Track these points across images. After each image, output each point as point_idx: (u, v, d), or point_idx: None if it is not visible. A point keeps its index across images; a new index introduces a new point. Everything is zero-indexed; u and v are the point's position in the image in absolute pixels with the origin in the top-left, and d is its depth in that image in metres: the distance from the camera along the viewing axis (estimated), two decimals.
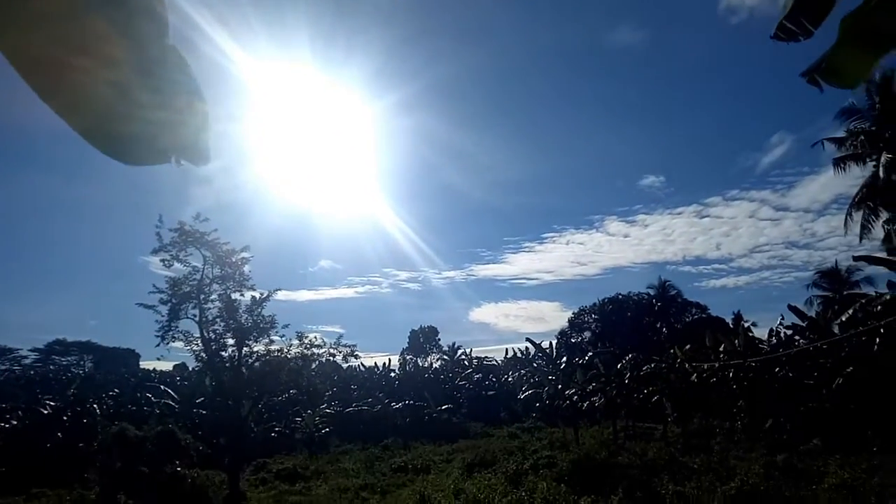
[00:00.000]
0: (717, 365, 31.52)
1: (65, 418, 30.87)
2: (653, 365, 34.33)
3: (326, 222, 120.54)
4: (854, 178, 26.06)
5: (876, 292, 27.75)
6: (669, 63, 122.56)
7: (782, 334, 34.54)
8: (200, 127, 1.82)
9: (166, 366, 75.43)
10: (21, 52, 1.59)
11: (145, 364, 79.55)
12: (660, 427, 35.90)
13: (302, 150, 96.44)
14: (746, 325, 36.74)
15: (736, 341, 33.53)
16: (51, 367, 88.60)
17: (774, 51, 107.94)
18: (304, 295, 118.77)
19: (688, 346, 34.21)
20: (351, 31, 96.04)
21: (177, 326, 22.96)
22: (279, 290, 25.00)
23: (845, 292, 38.37)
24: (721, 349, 33.47)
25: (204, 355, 23.19)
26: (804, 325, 32.86)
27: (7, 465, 28.94)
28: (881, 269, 26.26)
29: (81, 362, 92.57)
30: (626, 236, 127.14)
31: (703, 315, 75.00)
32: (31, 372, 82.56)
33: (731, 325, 52.68)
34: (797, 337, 33.44)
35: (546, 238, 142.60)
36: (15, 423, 31.82)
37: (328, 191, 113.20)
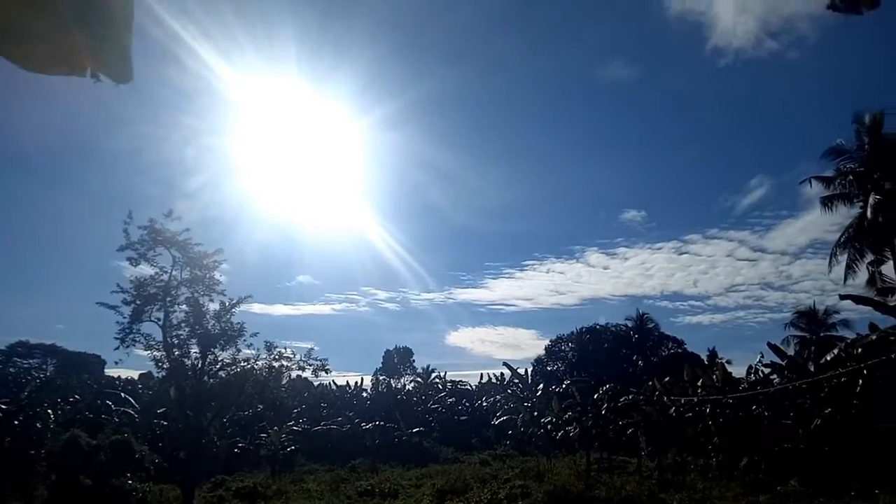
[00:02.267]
0: (695, 399, 30.99)
1: (16, 423, 29.24)
2: (630, 396, 33.69)
3: (306, 237, 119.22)
4: (841, 217, 26.06)
5: (858, 334, 27.59)
6: (657, 100, 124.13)
7: (760, 372, 34.23)
8: (123, 38, 1.57)
9: (132, 374, 72.88)
10: None
11: (111, 371, 76.78)
12: (633, 461, 35.21)
13: (287, 164, 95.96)
14: (721, 361, 36.46)
15: (714, 376, 33.14)
16: (10, 369, 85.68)
17: (758, 95, 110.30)
18: (279, 309, 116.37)
19: (666, 379, 33.70)
20: (338, 46, 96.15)
21: (139, 329, 21.78)
22: (250, 296, 23.99)
23: (822, 333, 38.41)
24: (699, 384, 33.03)
25: (165, 361, 21.98)
26: (783, 363, 32.62)
27: None
28: (858, 313, 26.22)
29: (44, 366, 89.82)
30: (605, 268, 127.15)
31: (679, 350, 74.97)
32: None
33: (707, 362, 52.59)
34: (774, 376, 33.16)
35: (527, 265, 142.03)
36: None
37: (311, 205, 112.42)
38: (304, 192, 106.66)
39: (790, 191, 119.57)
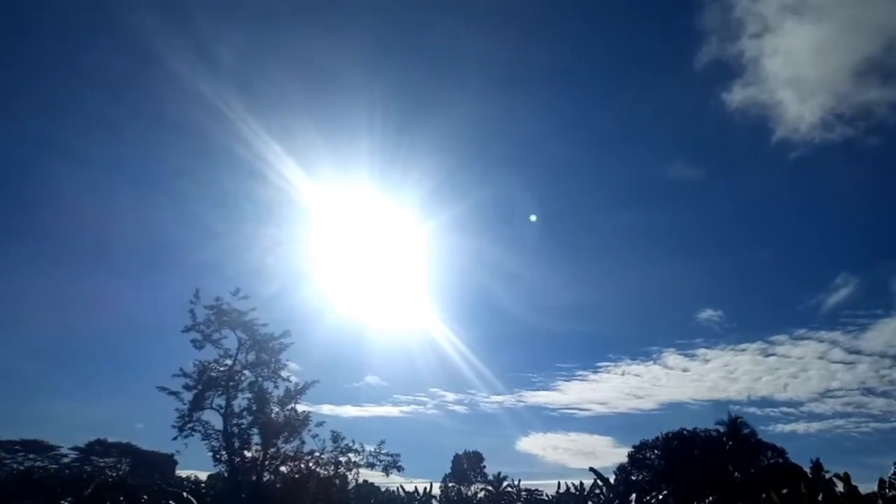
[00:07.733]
0: None
1: None
2: None
3: (376, 339, 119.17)
4: None
5: None
6: (726, 197, 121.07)
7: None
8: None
9: (202, 474, 71.61)
10: None
11: (182, 472, 75.81)
12: None
13: (357, 268, 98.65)
14: (827, 474, 31.68)
15: (839, 493, 28.44)
16: (86, 467, 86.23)
17: (833, 186, 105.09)
18: (348, 411, 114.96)
19: (784, 491, 29.12)
20: (408, 156, 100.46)
21: (199, 417, 20.45)
22: (317, 381, 22.36)
23: None
24: (819, 498, 28.39)
25: (224, 453, 20.33)
26: None
27: None
28: None
29: (119, 465, 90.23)
30: (685, 370, 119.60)
31: (780, 460, 67.29)
32: (66, 471, 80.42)
33: (811, 475, 46.48)
34: None
35: (601, 367, 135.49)
36: None
37: (380, 308, 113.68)
38: (374, 295, 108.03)
39: (880, 288, 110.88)
